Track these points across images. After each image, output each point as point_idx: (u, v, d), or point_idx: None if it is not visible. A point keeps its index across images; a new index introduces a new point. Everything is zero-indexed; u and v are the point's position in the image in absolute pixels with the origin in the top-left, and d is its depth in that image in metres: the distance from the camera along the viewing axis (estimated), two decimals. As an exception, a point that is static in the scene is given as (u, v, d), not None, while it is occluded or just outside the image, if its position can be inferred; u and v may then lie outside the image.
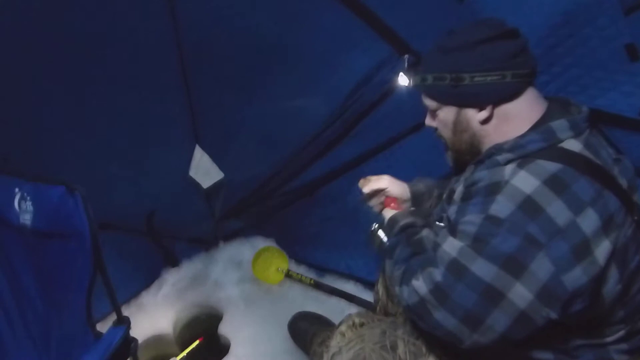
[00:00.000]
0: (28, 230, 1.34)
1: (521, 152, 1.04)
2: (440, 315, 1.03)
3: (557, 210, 0.94)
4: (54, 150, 1.67)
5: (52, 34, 1.45)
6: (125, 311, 1.43)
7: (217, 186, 2.24)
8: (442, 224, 1.18)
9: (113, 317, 1.36)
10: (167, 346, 2.18)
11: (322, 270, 2.38)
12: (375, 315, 1.57)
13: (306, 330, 1.95)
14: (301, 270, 2.41)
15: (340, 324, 1.52)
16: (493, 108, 1.10)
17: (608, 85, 1.42)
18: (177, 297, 2.30)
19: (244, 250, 2.50)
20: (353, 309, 2.11)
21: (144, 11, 1.55)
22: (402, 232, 1.25)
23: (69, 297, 1.37)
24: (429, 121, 1.26)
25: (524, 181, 0.98)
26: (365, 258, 2.23)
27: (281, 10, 1.65)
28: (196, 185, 2.20)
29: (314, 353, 1.74)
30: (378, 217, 1.44)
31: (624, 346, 1.08)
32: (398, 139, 1.94)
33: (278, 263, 2.41)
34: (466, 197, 1.09)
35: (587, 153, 1.01)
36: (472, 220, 1.02)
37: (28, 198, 1.33)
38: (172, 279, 2.38)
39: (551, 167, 0.98)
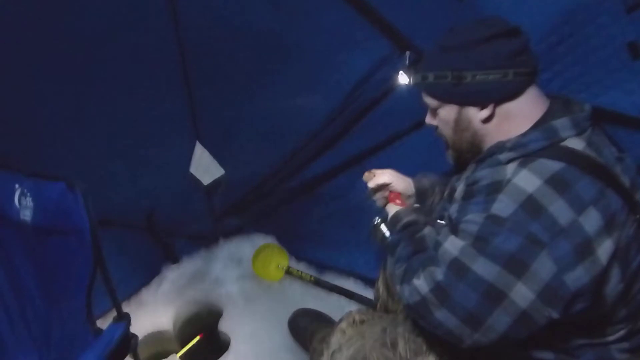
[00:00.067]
0: (28, 226, 1.35)
1: (523, 150, 1.04)
2: (441, 315, 1.02)
3: (559, 210, 0.94)
4: (54, 148, 1.67)
5: (53, 33, 1.45)
6: (126, 308, 1.43)
7: (217, 183, 2.24)
8: (443, 222, 1.18)
9: (113, 313, 1.36)
10: (167, 343, 2.18)
11: (322, 267, 2.38)
12: (376, 313, 1.57)
13: (306, 327, 1.95)
14: (301, 267, 2.40)
15: (340, 321, 1.52)
16: (495, 107, 1.10)
17: (610, 83, 1.41)
18: (177, 294, 2.30)
19: (244, 247, 2.49)
20: (353, 306, 2.11)
21: (144, 10, 1.55)
22: (404, 229, 1.25)
23: (69, 294, 1.37)
24: (429, 120, 1.25)
25: (526, 180, 0.98)
26: (366, 255, 2.23)
27: (282, 8, 1.65)
28: (196, 182, 2.19)
29: (314, 350, 1.74)
30: (381, 211, 1.43)
31: (625, 345, 1.08)
32: (399, 137, 1.94)
33: (278, 260, 2.41)
34: (467, 195, 1.09)
35: (589, 151, 1.01)
36: (473, 219, 1.02)
37: (28, 194, 1.33)
38: (172, 276, 2.37)
39: (553, 166, 0.98)
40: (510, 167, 1.02)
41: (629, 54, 1.36)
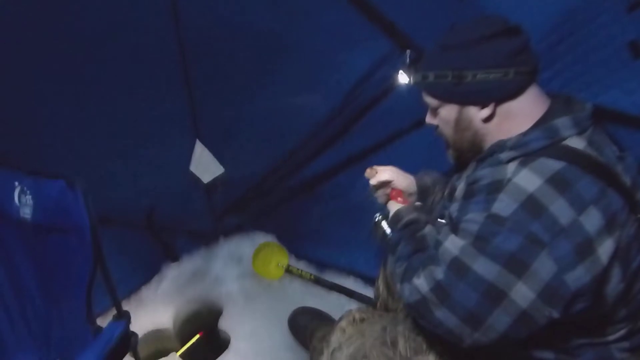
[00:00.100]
0: (28, 224, 1.34)
1: (524, 150, 1.03)
2: (441, 314, 1.02)
3: (560, 209, 0.93)
4: (55, 146, 1.67)
5: (54, 32, 1.45)
6: (125, 306, 1.42)
7: (217, 182, 2.24)
8: (444, 221, 1.17)
9: (113, 311, 1.36)
10: (167, 341, 2.18)
11: (322, 265, 2.38)
12: (376, 311, 1.57)
13: (306, 325, 1.95)
14: (301, 265, 2.40)
15: (340, 319, 1.52)
16: (495, 106, 1.09)
17: (611, 82, 1.41)
18: (177, 292, 2.30)
19: (244, 245, 2.49)
20: (353, 305, 2.11)
21: (145, 9, 1.55)
22: (405, 228, 1.24)
23: (69, 292, 1.37)
24: (429, 119, 1.25)
25: (527, 179, 0.98)
26: (366, 254, 2.23)
27: (282, 8, 1.65)
28: (197, 180, 2.19)
29: (314, 348, 1.74)
30: (382, 208, 1.43)
31: (625, 344, 1.08)
32: (399, 136, 1.93)
33: (278, 258, 2.41)
34: (468, 194, 1.09)
35: (590, 151, 1.01)
36: (474, 219, 1.02)
37: (28, 192, 1.33)
38: (172, 274, 2.37)
39: (554, 165, 0.98)
40: (511, 167, 1.02)
41: (630, 53, 1.36)
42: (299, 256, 2.46)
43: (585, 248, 0.93)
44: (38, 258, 1.46)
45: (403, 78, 1.26)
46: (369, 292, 2.12)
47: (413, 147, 1.89)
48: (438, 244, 1.08)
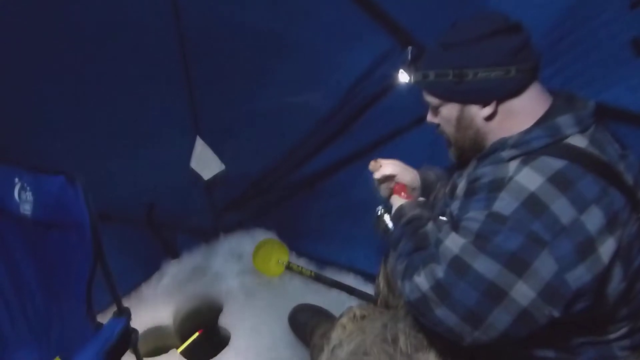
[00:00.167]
0: (28, 220, 1.34)
1: (525, 148, 1.03)
2: (441, 312, 1.02)
3: (562, 208, 0.93)
4: (55, 143, 1.67)
5: (55, 30, 1.45)
6: (126, 303, 1.42)
7: (217, 178, 2.24)
8: (445, 219, 1.17)
9: (113, 308, 1.36)
10: (167, 337, 2.18)
11: (322, 262, 2.38)
12: (377, 308, 1.57)
13: (306, 322, 1.95)
14: (302, 262, 2.41)
15: (341, 316, 1.52)
16: (497, 104, 1.08)
17: (613, 79, 1.41)
18: (178, 289, 2.30)
19: (244, 242, 2.49)
20: (353, 302, 2.11)
21: (145, 8, 1.55)
22: (408, 224, 1.24)
23: (69, 288, 1.37)
24: (430, 118, 1.23)
25: (528, 178, 0.97)
26: (366, 251, 2.23)
27: (282, 6, 1.65)
28: (197, 177, 2.19)
29: (315, 345, 1.74)
30: (384, 201, 1.43)
31: (626, 342, 1.08)
32: (400, 132, 1.93)
33: (278, 255, 2.41)
34: (469, 192, 1.08)
35: (592, 149, 1.00)
36: (475, 217, 1.01)
37: (28, 188, 1.32)
38: (172, 271, 2.38)
39: (556, 163, 0.97)
40: (512, 165, 1.02)
41: (633, 50, 1.35)
42: (299, 253, 2.46)
43: (586, 247, 0.93)
44: (38, 254, 1.46)
45: (403, 77, 1.25)
46: (369, 289, 2.12)
47: (414, 144, 1.89)
48: (439, 242, 1.08)
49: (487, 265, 0.96)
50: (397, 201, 1.37)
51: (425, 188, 1.46)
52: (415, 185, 1.45)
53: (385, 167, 1.43)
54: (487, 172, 1.06)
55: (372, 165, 1.45)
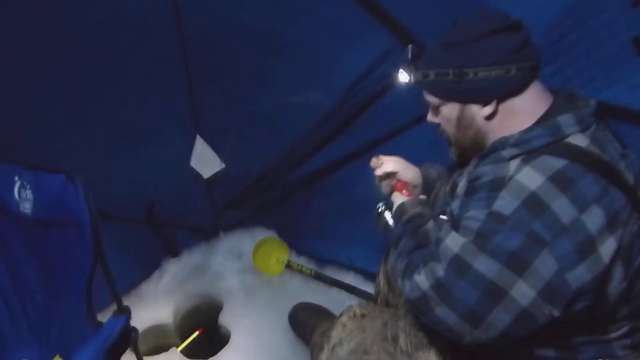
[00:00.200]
0: (28, 219, 1.34)
1: (526, 147, 1.02)
2: (441, 311, 1.02)
3: (562, 208, 0.93)
4: (55, 142, 1.67)
5: (56, 28, 1.45)
6: (126, 301, 1.42)
7: (217, 177, 2.24)
8: (445, 217, 1.17)
9: (113, 307, 1.36)
10: (167, 336, 2.18)
11: (322, 261, 2.38)
12: (377, 307, 1.57)
13: (306, 321, 1.95)
14: (302, 261, 2.40)
15: (341, 315, 1.52)
16: (498, 103, 1.08)
17: (614, 78, 1.40)
18: (178, 288, 2.30)
19: (244, 240, 2.49)
20: (353, 301, 2.11)
21: (146, 6, 1.55)
22: (408, 222, 1.24)
23: (70, 287, 1.37)
24: (431, 117, 1.23)
25: (529, 177, 0.97)
26: (366, 249, 2.23)
27: (282, 5, 1.65)
28: (197, 175, 2.19)
29: (315, 344, 1.73)
30: (385, 197, 1.42)
31: (627, 342, 1.08)
32: (400, 131, 1.93)
33: (278, 254, 2.40)
34: (469, 191, 1.08)
35: (593, 148, 1.00)
36: (475, 216, 1.01)
37: (28, 186, 1.32)
38: (172, 269, 2.38)
39: (557, 163, 0.97)
40: (513, 164, 1.01)
41: (633, 49, 1.35)
42: (299, 252, 2.46)
43: (586, 247, 0.93)
44: (38, 253, 1.46)
45: (403, 77, 1.24)
46: (369, 287, 2.12)
47: (414, 142, 1.89)
48: (439, 241, 1.07)
49: (487, 264, 0.96)
50: (398, 199, 1.36)
51: (427, 186, 1.45)
52: (417, 182, 1.44)
53: (386, 164, 1.42)
54: (487, 171, 1.06)
55: (373, 161, 1.44)
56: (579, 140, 1.01)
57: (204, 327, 2.21)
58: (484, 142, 1.14)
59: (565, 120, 1.03)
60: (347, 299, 2.16)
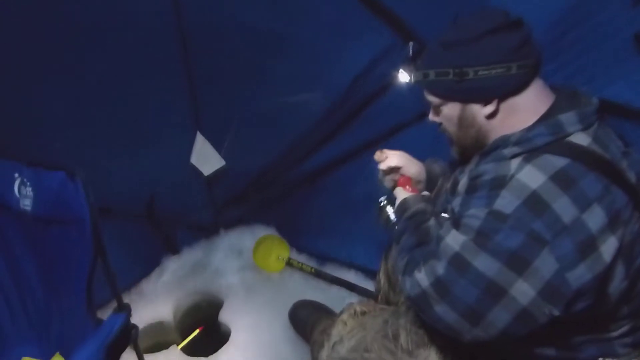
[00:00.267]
0: (28, 216, 1.34)
1: (528, 146, 1.02)
2: (441, 309, 1.02)
3: (563, 207, 0.93)
4: (54, 138, 1.67)
5: (54, 26, 1.45)
6: (126, 298, 1.43)
7: (218, 174, 2.23)
8: (446, 215, 1.17)
9: (113, 304, 1.36)
10: (168, 333, 2.18)
11: (323, 258, 2.38)
12: (377, 304, 1.56)
13: (307, 318, 1.95)
14: (302, 258, 2.40)
15: (341, 312, 1.52)
16: (499, 102, 1.07)
17: (616, 75, 1.40)
18: (178, 285, 2.30)
19: (245, 238, 2.49)
20: (354, 298, 2.11)
21: (146, 5, 1.56)
22: (411, 218, 1.23)
23: (70, 284, 1.37)
24: (432, 117, 1.22)
25: (530, 176, 0.97)
26: (367, 247, 2.22)
27: (282, 4, 1.65)
28: (198, 173, 2.19)
29: (315, 341, 1.73)
30: (388, 191, 1.42)
31: (628, 340, 1.08)
32: (401, 128, 1.93)
33: (279, 251, 2.40)
34: (470, 189, 1.08)
35: (595, 147, 0.99)
36: (475, 214, 1.01)
37: (28, 183, 1.32)
38: (172, 267, 2.37)
39: (558, 162, 0.96)
40: (514, 163, 1.01)
41: (635, 46, 1.34)
42: (299, 249, 2.46)
43: (587, 246, 0.92)
44: (38, 250, 1.46)
45: (403, 77, 1.24)
46: (369, 285, 2.12)
47: (415, 140, 1.88)
48: (439, 238, 1.07)
49: (488, 263, 0.96)
50: (401, 194, 1.36)
51: (430, 181, 1.45)
52: (421, 178, 1.44)
53: (391, 158, 1.41)
54: (488, 169, 1.05)
55: (377, 155, 1.43)
56: (581, 138, 1.01)
57: (205, 324, 2.21)
58: (486, 141, 1.14)
59: (567, 118, 1.02)
60: (348, 296, 2.16)
